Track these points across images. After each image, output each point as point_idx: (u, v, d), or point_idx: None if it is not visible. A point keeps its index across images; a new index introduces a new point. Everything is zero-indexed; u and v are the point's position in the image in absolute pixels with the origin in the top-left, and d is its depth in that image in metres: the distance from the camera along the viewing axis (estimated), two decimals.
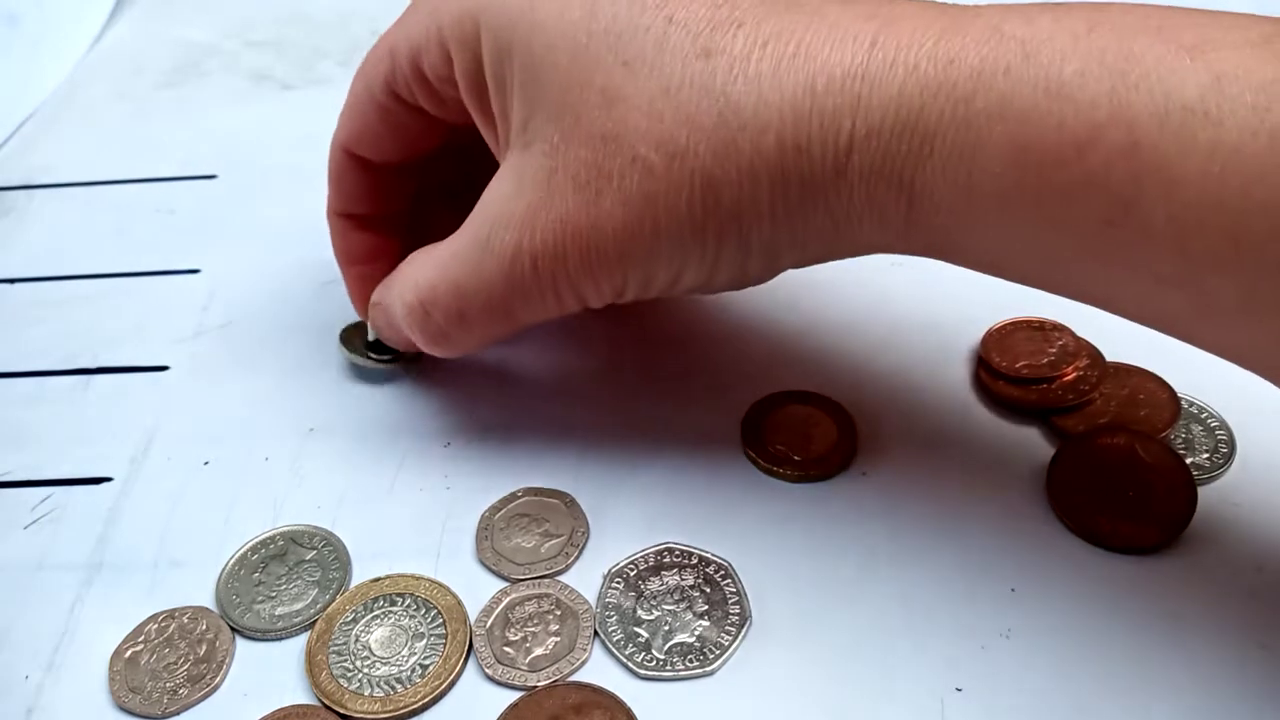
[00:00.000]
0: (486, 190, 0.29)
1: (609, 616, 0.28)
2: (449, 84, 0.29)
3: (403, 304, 0.31)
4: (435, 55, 0.29)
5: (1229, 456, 0.31)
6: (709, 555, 0.30)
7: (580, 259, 0.27)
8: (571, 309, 0.29)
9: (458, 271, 0.29)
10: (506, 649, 0.28)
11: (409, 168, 0.34)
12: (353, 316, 0.36)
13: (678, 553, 0.30)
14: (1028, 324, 0.35)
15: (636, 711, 0.26)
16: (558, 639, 0.28)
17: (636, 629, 0.28)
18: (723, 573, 0.29)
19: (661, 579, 0.29)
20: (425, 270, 0.30)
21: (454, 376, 0.36)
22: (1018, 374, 0.33)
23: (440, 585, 0.29)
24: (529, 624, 0.28)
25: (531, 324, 0.30)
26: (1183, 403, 0.32)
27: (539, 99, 0.27)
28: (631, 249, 0.27)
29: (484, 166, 0.30)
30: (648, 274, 0.27)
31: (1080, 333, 0.34)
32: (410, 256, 0.31)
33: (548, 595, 0.29)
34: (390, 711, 0.27)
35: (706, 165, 0.25)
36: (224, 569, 0.30)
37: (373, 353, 0.35)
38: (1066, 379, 0.33)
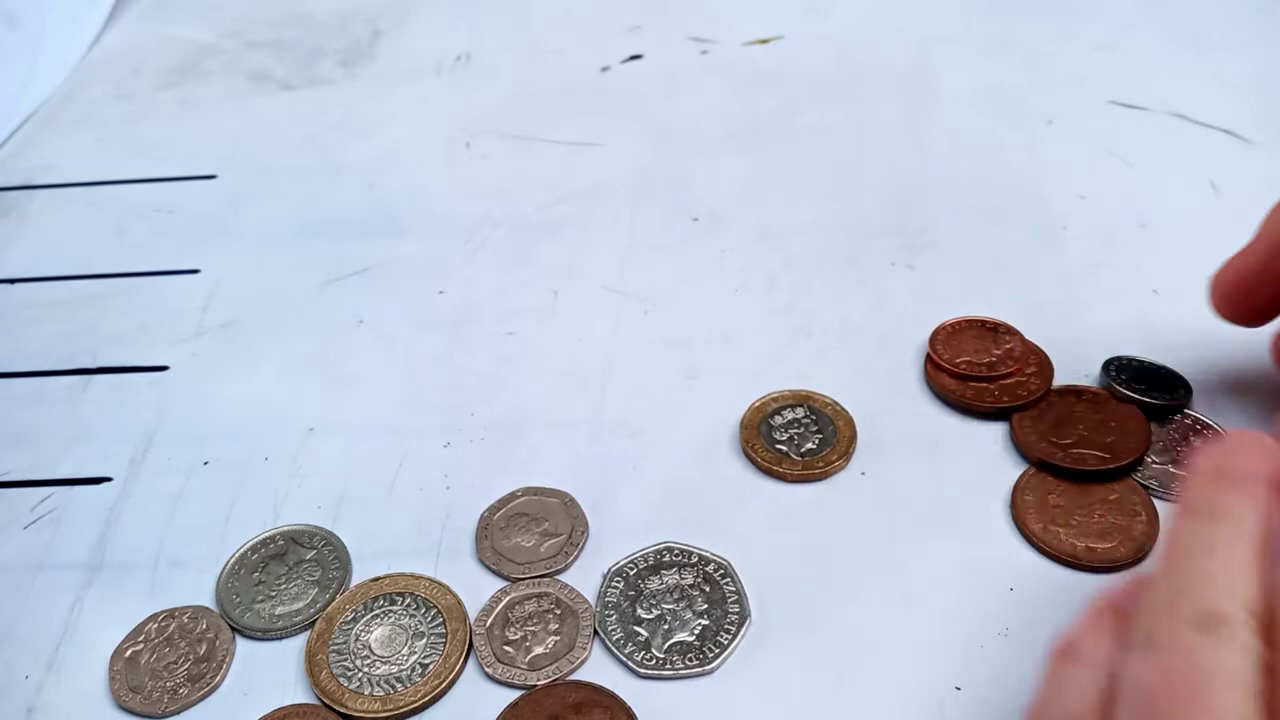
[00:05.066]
0: None
1: (609, 615, 0.28)
2: None
3: None
4: None
5: None
6: (708, 554, 0.30)
7: None
8: None
9: None
10: (506, 648, 0.28)
11: None
12: None
13: (677, 552, 0.30)
14: (981, 323, 0.35)
15: (636, 710, 0.26)
16: (557, 638, 0.28)
17: (636, 628, 0.28)
18: (722, 572, 0.29)
19: (661, 578, 0.29)
20: None
21: (454, 376, 0.36)
22: (956, 369, 0.33)
23: (440, 585, 0.29)
24: (529, 623, 0.28)
25: None
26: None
27: None
28: None
29: None
30: None
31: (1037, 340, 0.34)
32: None
33: (547, 594, 0.29)
34: (390, 711, 0.27)
35: None
36: (224, 569, 0.30)
37: None
38: (1006, 381, 0.33)
